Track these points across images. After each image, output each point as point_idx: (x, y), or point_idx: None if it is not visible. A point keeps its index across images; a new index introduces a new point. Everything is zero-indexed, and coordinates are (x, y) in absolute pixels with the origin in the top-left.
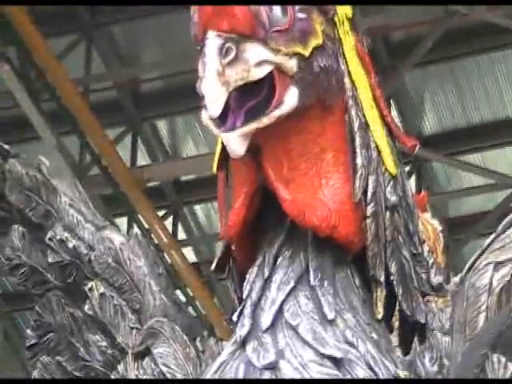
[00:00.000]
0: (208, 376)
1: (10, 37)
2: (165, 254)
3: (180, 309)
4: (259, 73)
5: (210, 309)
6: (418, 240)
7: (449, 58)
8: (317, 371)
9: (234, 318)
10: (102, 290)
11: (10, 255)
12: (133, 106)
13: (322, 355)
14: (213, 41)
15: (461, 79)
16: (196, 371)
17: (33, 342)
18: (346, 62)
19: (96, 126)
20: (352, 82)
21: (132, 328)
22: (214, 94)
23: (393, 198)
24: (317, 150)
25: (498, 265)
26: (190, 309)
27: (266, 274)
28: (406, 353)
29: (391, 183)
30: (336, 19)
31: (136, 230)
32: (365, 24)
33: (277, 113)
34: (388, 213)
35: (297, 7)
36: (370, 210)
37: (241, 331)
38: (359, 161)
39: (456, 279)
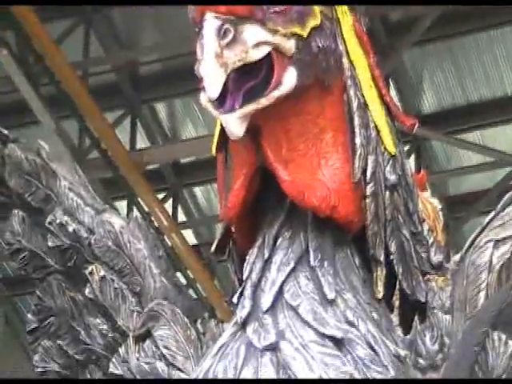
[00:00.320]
0: (209, 358)
1: (8, 21)
2: (165, 237)
3: (180, 291)
4: (257, 54)
5: (210, 291)
6: (417, 219)
7: (447, 37)
8: (317, 351)
9: (235, 299)
10: (102, 273)
11: (10, 240)
12: (131, 89)
13: (323, 335)
14: (211, 22)
15: (459, 57)
16: (197, 353)
17: (34, 326)
18: (345, 41)
19: (95, 110)
20: (350, 61)
21: (133, 311)
22: (212, 76)
23: (392, 178)
24: (316, 130)
25: (498, 242)
26: (191, 291)
27: (266, 255)
28: (406, 332)
29: (390, 162)
30: None
31: (136, 212)
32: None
33: (275, 94)
34: (387, 192)
35: None
36: (369, 189)
37: (241, 312)
38: (358, 140)
39: (456, 257)
